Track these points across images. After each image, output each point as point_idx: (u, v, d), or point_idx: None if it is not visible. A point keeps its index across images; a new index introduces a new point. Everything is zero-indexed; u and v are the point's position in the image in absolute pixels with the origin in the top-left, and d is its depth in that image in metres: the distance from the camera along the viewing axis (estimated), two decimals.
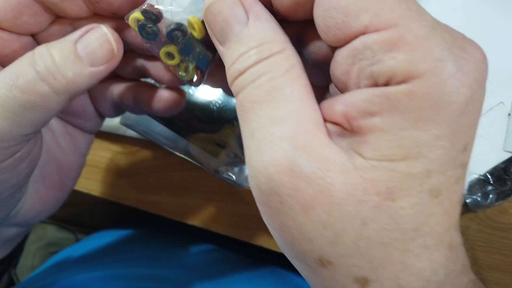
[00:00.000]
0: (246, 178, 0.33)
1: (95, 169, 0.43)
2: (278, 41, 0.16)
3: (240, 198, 0.40)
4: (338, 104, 0.16)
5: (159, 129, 0.33)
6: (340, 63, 0.16)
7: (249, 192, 0.33)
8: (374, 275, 0.15)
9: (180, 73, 0.21)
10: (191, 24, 0.19)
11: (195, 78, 0.21)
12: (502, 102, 0.35)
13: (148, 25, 0.19)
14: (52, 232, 0.65)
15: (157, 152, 0.41)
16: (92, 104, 0.27)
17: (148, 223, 0.56)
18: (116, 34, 0.21)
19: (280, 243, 0.17)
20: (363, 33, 0.15)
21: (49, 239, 0.65)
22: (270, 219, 0.16)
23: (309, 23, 0.17)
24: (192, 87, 0.33)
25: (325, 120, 0.16)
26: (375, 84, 0.15)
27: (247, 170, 0.16)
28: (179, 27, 0.19)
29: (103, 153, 0.42)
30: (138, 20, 0.19)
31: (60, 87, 0.19)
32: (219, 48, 0.17)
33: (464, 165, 0.15)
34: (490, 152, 0.35)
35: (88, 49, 0.20)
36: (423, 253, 0.15)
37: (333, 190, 0.14)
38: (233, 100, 0.32)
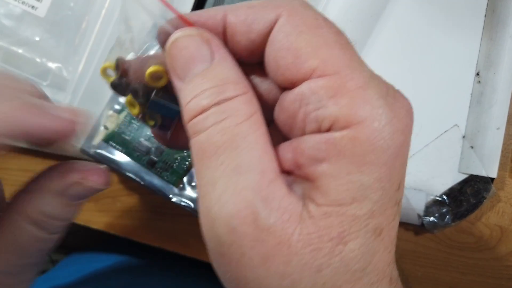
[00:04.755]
0: None
1: None
2: (241, 84, 0.16)
3: None
4: (287, 153, 0.16)
5: (119, 157, 0.33)
6: (287, 107, 0.16)
7: None
8: None
9: (147, 121, 0.19)
10: (150, 76, 0.18)
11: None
12: (456, 125, 0.36)
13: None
14: None
15: (123, 175, 0.41)
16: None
17: (121, 246, 0.55)
18: None
19: None
20: (309, 76, 0.15)
21: None
22: (227, 271, 0.16)
23: (260, 65, 0.18)
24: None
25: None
26: (319, 129, 0.15)
27: (203, 220, 0.16)
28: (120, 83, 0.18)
29: None
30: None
31: None
32: (177, 82, 0.17)
33: (398, 203, 0.16)
34: (446, 173, 0.36)
35: None
36: None
37: (292, 240, 0.15)
38: None
